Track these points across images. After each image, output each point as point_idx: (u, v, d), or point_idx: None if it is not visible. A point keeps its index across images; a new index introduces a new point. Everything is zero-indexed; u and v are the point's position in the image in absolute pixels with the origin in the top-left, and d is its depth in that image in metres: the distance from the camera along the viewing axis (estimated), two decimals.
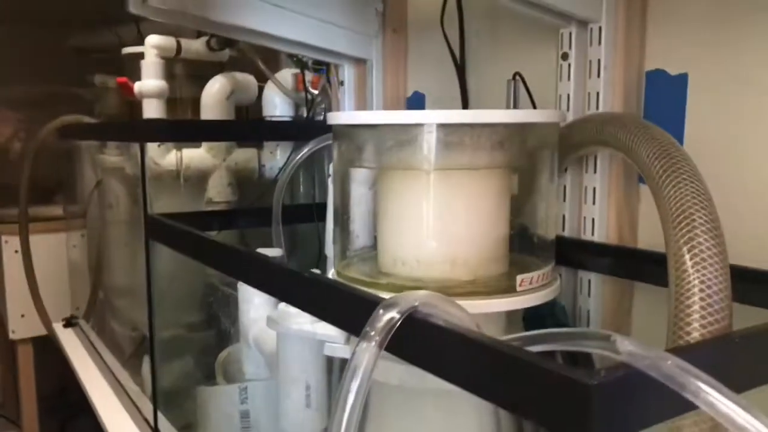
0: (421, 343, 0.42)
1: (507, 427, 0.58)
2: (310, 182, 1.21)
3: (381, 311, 0.45)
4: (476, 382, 0.38)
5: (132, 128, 0.97)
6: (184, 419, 1.01)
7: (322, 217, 0.99)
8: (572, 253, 0.74)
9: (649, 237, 0.73)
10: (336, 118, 0.64)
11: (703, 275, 0.43)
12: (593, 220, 0.74)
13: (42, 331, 1.74)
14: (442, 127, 0.57)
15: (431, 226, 0.60)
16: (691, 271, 0.43)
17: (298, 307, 0.58)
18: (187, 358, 1.06)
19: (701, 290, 0.42)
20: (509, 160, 0.62)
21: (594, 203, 0.73)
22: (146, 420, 1.05)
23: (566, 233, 0.76)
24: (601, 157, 0.73)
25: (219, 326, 1.02)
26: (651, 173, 0.51)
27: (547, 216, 0.68)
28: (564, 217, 0.76)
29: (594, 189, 0.74)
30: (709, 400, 0.29)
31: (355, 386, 0.44)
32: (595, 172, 0.74)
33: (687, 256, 0.44)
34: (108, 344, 1.41)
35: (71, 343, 1.54)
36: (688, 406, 0.33)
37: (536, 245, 0.67)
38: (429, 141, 0.57)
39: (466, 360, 0.39)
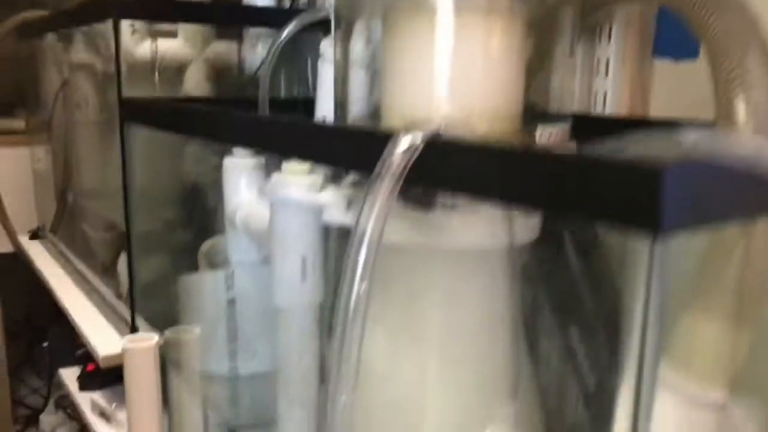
0: (452, 163, 0.38)
1: (518, 290, 0.55)
2: (291, 78, 1.15)
3: (401, 135, 0.41)
4: (522, 191, 0.34)
5: (103, 5, 0.90)
6: (162, 318, 0.97)
7: (309, 113, 0.93)
8: (583, 130, 0.70)
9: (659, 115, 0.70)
10: None
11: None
12: (605, 93, 0.70)
13: (5, 249, 1.66)
14: None
15: (446, 79, 0.55)
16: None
17: (305, 159, 0.54)
18: (165, 254, 1.01)
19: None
20: (529, 10, 0.57)
21: (607, 75, 0.69)
22: (124, 319, 1.00)
23: (576, 108, 0.72)
24: (615, 28, 0.69)
25: (198, 222, 0.97)
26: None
27: (562, 88, 0.64)
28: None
29: (607, 60, 0.69)
30: None
31: (371, 221, 0.40)
32: (609, 42, 0.69)
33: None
34: (79, 253, 1.35)
35: (40, 255, 1.47)
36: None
37: (550, 116, 0.63)
38: None
39: (511, 171, 0.35)
